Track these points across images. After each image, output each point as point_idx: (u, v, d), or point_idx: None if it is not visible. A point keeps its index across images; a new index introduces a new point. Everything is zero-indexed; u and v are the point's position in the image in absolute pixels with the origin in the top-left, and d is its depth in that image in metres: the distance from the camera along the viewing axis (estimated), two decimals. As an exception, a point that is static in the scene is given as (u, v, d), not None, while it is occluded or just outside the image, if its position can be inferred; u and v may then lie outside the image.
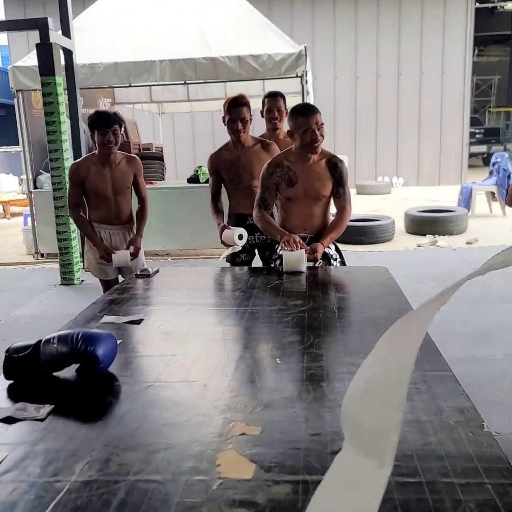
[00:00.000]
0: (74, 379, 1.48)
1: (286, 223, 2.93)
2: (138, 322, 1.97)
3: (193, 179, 7.03)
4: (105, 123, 3.23)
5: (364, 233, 7.12)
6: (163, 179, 7.92)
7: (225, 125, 3.35)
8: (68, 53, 5.84)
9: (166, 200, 6.77)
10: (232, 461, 1.06)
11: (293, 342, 1.73)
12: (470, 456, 1.04)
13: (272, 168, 2.88)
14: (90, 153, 3.48)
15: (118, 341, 1.69)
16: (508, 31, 23.60)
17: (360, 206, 9.77)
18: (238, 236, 3.09)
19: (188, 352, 1.68)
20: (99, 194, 3.37)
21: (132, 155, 3.61)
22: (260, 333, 1.84)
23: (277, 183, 2.88)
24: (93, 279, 6.10)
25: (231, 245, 3.17)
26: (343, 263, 2.99)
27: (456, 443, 1.09)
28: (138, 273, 2.72)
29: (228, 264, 3.46)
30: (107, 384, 1.46)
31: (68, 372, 1.49)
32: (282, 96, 3.83)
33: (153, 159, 7.93)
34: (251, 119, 3.35)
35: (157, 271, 2.77)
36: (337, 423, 1.20)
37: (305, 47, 6.25)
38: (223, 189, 3.52)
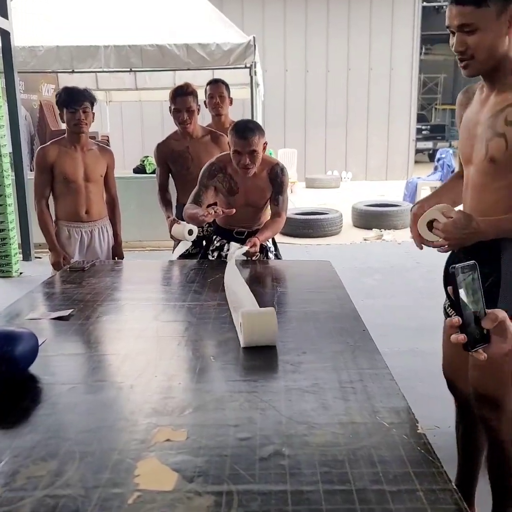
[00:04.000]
0: (-11, 382, 1.37)
1: (225, 219, 2.86)
2: (67, 318, 1.86)
3: (139, 170, 6.86)
4: (75, 100, 2.93)
5: (312, 227, 7.12)
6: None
7: (171, 115, 3.24)
8: (5, 34, 5.57)
9: (111, 190, 6.57)
10: (152, 471, 0.98)
11: (230, 339, 1.66)
12: (402, 461, 0.99)
13: (215, 171, 2.74)
14: (60, 137, 3.11)
15: (42, 340, 1.58)
16: (454, 30, 24.11)
17: (309, 200, 9.79)
18: (188, 231, 3.01)
19: (118, 350, 1.59)
20: (69, 180, 3.01)
21: (105, 146, 3.34)
22: (196, 329, 1.76)
23: (217, 187, 2.79)
24: (32, 271, 5.94)
25: (180, 240, 3.08)
26: (277, 256, 2.97)
27: (390, 447, 1.04)
28: (72, 266, 2.60)
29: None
30: (25, 387, 1.35)
31: (-17, 374, 1.38)
32: (224, 83, 3.74)
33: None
34: (198, 109, 3.24)
35: (93, 264, 2.65)
36: (268, 426, 1.14)
37: (253, 37, 6.18)
38: (171, 180, 3.40)
